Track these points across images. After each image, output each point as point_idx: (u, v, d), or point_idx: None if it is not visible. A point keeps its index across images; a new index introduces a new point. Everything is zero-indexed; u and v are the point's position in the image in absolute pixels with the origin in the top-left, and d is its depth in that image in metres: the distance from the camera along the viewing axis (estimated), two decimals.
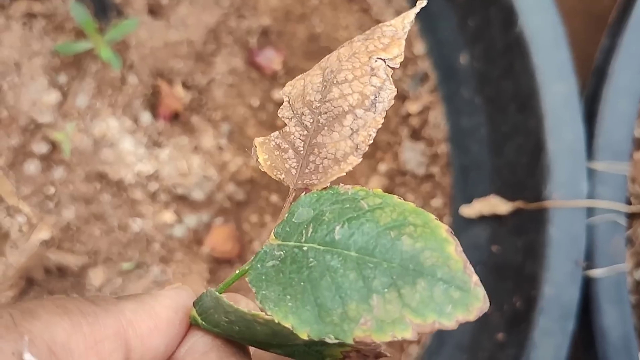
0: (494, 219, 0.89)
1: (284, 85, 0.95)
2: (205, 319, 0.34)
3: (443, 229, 0.31)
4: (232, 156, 0.92)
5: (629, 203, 0.85)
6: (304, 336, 0.31)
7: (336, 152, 0.36)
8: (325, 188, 0.36)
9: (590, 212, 0.81)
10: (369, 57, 0.36)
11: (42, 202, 0.88)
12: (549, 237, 0.80)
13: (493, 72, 0.90)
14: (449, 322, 0.29)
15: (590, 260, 0.81)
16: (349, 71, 0.36)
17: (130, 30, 0.87)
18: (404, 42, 0.36)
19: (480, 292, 0.30)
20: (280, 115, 0.38)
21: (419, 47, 0.96)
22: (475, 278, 0.30)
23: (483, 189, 0.91)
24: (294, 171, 0.38)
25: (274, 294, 0.32)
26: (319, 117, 0.37)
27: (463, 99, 0.93)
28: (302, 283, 0.32)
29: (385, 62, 0.36)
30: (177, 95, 0.92)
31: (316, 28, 0.96)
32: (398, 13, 0.97)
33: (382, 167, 0.95)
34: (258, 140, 0.38)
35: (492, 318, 0.87)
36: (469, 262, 0.30)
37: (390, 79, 0.36)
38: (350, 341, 0.30)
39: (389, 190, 0.95)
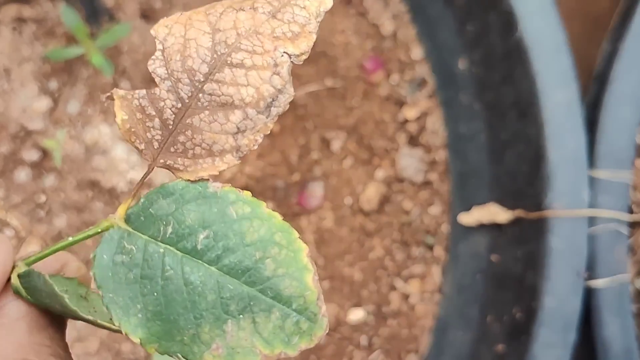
0: (493, 228, 0.88)
1: None
2: (28, 290, 0.32)
3: (304, 254, 0.30)
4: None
5: (631, 211, 0.84)
6: (151, 351, 0.29)
7: (213, 145, 0.32)
8: (193, 181, 0.32)
9: (592, 221, 0.80)
10: (275, 47, 0.31)
11: (33, 211, 0.87)
12: (550, 247, 0.79)
13: (492, 78, 0.88)
14: (293, 352, 0.29)
15: (591, 270, 0.79)
16: (248, 55, 0.31)
17: (122, 35, 0.86)
18: (314, 37, 0.32)
19: (325, 321, 0.30)
20: (150, 69, 0.32)
21: (417, 52, 0.95)
22: (323, 309, 0.30)
23: (482, 197, 0.90)
24: (156, 145, 0.32)
25: (122, 300, 0.30)
26: (200, 95, 0.32)
27: (462, 105, 0.92)
28: (155, 294, 0.30)
29: (290, 58, 0.31)
30: None
31: None
32: (395, 18, 0.95)
33: (380, 173, 0.94)
34: (118, 93, 0.32)
35: (492, 329, 0.85)
36: (321, 292, 0.30)
37: (291, 80, 0.32)
38: None
39: (386, 197, 0.94)
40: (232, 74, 0.31)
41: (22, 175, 0.87)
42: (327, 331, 0.29)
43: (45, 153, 0.87)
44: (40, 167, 0.88)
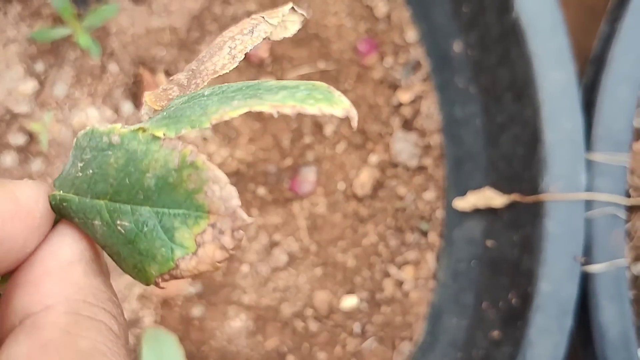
0: (489, 213, 0.86)
1: (271, 73, 0.91)
2: (63, 185, 0.29)
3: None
4: (217, 147, 0.89)
5: (628, 195, 0.82)
6: (159, 133, 0.26)
7: (215, 66, 0.32)
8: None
9: (589, 205, 0.78)
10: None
11: None
12: (546, 231, 0.77)
13: (488, 60, 0.86)
14: (311, 108, 0.26)
15: (588, 255, 0.78)
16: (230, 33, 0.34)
17: (110, 16, 0.84)
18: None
19: (345, 100, 0.27)
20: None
21: (411, 34, 0.93)
22: (342, 97, 0.28)
23: (478, 182, 0.88)
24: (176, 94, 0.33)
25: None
26: (203, 57, 0.33)
27: (457, 88, 0.90)
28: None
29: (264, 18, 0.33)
30: (159, 84, 0.88)
31: (304, 14, 0.93)
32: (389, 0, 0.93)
33: (373, 158, 0.92)
34: (148, 95, 0.33)
35: (487, 315, 0.84)
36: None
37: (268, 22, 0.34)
38: (207, 124, 0.26)
39: (380, 183, 0.92)
40: (221, 38, 0.33)
41: (8, 159, 0.85)
42: (353, 111, 0.27)
43: (31, 137, 0.85)
44: (27, 151, 0.86)
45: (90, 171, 0.27)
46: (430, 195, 0.92)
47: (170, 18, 0.89)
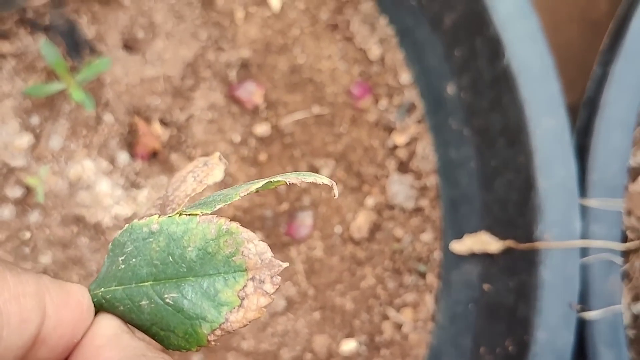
0: (485, 257, 0.86)
1: (266, 119, 0.92)
2: (103, 283, 0.32)
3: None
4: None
5: (625, 237, 0.82)
6: (197, 212, 0.30)
7: (186, 192, 0.35)
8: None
9: (584, 251, 0.78)
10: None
11: (18, 248, 0.86)
12: (541, 279, 0.77)
13: (481, 104, 0.86)
14: (309, 178, 0.32)
15: (584, 301, 0.78)
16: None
17: (103, 69, 0.84)
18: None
19: (325, 178, 0.32)
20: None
21: (405, 77, 0.93)
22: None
23: (474, 224, 0.88)
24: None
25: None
26: (168, 189, 0.36)
27: (451, 130, 0.90)
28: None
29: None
30: (155, 133, 0.89)
31: (298, 59, 0.93)
32: (382, 42, 0.93)
33: (370, 200, 0.92)
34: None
35: None
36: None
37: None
38: (237, 197, 0.31)
39: (377, 225, 0.92)
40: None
41: (6, 212, 0.85)
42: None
43: (28, 189, 0.86)
44: (24, 203, 0.86)
45: (133, 260, 0.30)
46: (427, 236, 0.92)
47: (164, 66, 0.90)
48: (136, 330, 0.32)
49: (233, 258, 0.29)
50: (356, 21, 0.94)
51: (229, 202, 0.30)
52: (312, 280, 0.91)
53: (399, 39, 0.93)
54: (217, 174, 0.35)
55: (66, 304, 0.30)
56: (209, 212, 0.30)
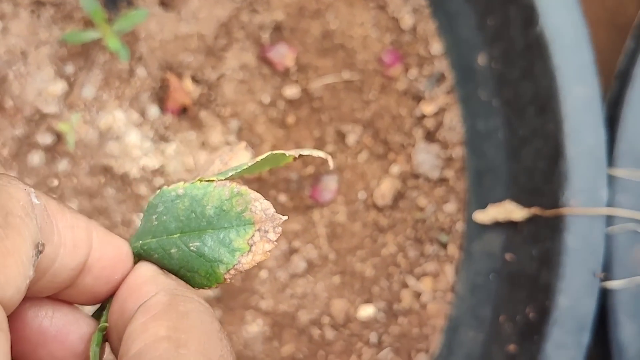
0: (508, 226, 0.86)
1: (296, 82, 0.92)
2: (141, 237, 0.38)
3: None
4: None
5: None
6: (213, 179, 0.36)
7: (213, 172, 0.41)
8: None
9: (610, 220, 0.78)
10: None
11: (45, 195, 0.86)
12: (566, 245, 0.77)
13: (512, 73, 0.86)
14: (317, 153, 0.39)
15: (608, 271, 0.77)
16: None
17: (139, 21, 0.85)
18: None
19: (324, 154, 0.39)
20: None
21: (436, 47, 0.93)
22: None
23: (499, 195, 0.88)
24: None
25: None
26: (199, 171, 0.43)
27: (480, 101, 0.90)
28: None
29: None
30: (186, 90, 0.90)
31: (330, 24, 0.94)
32: (415, 12, 0.94)
33: (395, 168, 0.92)
34: None
35: (504, 329, 0.83)
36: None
37: None
38: (245, 167, 0.37)
39: (401, 193, 0.92)
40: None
41: (36, 158, 0.86)
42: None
43: (59, 137, 0.87)
44: (54, 151, 0.87)
45: (164, 217, 0.37)
46: (450, 207, 0.92)
47: (198, 25, 0.91)
48: (168, 273, 0.38)
49: (243, 214, 0.35)
50: None
51: (240, 172, 0.37)
52: (334, 244, 0.91)
53: (431, 9, 0.93)
54: (242, 158, 0.41)
55: (108, 243, 0.36)
56: (223, 179, 0.36)
